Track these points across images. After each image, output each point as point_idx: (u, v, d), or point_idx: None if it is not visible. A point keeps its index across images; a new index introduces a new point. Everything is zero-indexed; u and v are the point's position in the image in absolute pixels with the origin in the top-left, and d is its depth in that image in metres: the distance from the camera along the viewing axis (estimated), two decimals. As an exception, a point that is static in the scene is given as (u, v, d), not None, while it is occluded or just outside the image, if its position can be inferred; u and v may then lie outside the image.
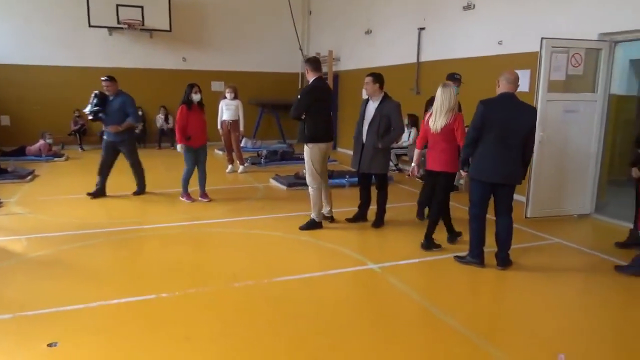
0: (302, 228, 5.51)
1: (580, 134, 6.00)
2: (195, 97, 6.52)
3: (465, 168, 4.46)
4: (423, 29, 9.22)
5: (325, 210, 5.76)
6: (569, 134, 5.95)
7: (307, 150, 5.44)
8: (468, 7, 8.03)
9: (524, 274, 4.32)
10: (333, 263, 4.52)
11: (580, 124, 5.98)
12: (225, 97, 8.94)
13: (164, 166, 10.13)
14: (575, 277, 4.32)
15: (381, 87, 5.39)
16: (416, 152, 5.27)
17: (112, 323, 3.30)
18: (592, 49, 5.97)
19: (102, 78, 6.83)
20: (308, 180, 5.56)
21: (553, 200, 6.06)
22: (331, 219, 5.80)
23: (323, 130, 5.41)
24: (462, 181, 7.58)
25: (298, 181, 7.84)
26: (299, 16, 13.74)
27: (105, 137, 6.99)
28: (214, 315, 3.44)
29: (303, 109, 5.33)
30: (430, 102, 5.98)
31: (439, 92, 4.78)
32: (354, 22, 11.68)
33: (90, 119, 6.98)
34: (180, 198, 6.73)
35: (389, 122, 5.29)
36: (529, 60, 6.53)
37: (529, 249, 4.98)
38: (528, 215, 5.96)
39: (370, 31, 11.04)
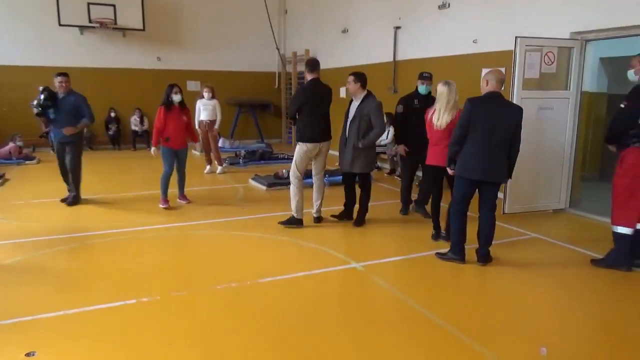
0: (282, 223, 5.55)
1: (554, 130, 6.14)
2: (176, 98, 6.34)
3: (452, 165, 4.51)
4: (399, 27, 9.29)
5: (313, 209, 5.74)
6: (544, 131, 6.08)
7: (296, 148, 5.54)
8: (443, 6, 8.12)
9: (505, 269, 4.39)
10: (316, 263, 4.50)
11: (555, 121, 6.12)
12: (203, 97, 8.84)
13: (141, 168, 9.96)
14: (554, 271, 4.41)
15: (363, 87, 5.38)
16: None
17: (91, 330, 3.22)
18: (564, 48, 6.11)
19: (57, 73, 6.35)
20: (290, 175, 5.60)
21: (530, 196, 6.18)
22: (317, 219, 5.77)
23: (312, 130, 5.41)
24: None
25: (278, 181, 7.81)
26: (275, 15, 13.68)
27: (54, 138, 6.54)
28: (196, 319, 3.39)
29: (294, 109, 5.49)
30: (400, 101, 6.02)
31: (444, 90, 4.82)
32: (330, 22, 11.69)
33: (36, 114, 6.40)
34: (160, 206, 6.35)
35: (369, 121, 5.30)
36: (503, 59, 6.64)
37: (509, 244, 5.07)
38: (506, 211, 6.06)
39: (347, 30, 11.07)
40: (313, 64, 5.47)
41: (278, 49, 13.76)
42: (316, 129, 5.43)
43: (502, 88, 4.36)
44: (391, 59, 9.50)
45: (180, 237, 5.36)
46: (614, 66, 7.70)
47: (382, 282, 4.06)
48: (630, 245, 4.29)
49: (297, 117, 5.49)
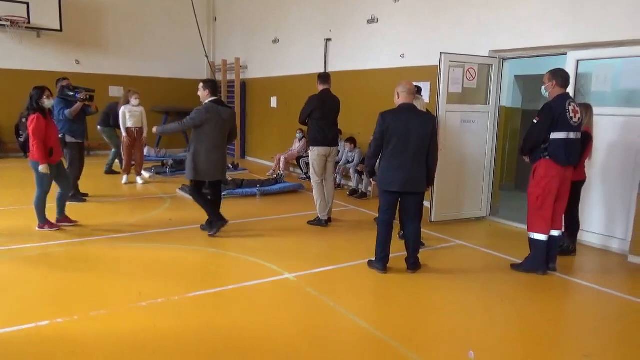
0: (310, 222, 6.08)
1: (476, 142, 6.48)
2: (48, 103, 5.86)
3: (373, 178, 4.58)
4: (329, 40, 9.42)
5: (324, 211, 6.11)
6: (466, 143, 6.40)
7: (310, 154, 6.14)
8: (372, 21, 8.35)
9: (434, 275, 4.52)
10: (247, 274, 4.39)
11: (476, 134, 6.46)
12: (128, 103, 8.37)
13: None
14: (478, 276, 4.60)
15: (212, 93, 5.39)
16: None
17: (-3, 357, 2.90)
18: (484, 65, 6.48)
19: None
20: (311, 180, 6.21)
21: (454, 205, 6.45)
22: (327, 221, 6.11)
23: (321, 135, 5.94)
24: (370, 188, 7.82)
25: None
26: (204, 22, 13.40)
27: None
28: (119, 341, 3.15)
29: (304, 116, 6.02)
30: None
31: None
32: (261, 31, 11.63)
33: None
34: (39, 229, 5.48)
35: None
36: (429, 73, 6.94)
37: (436, 251, 5.25)
38: (432, 220, 6.28)
39: (278, 40, 11.06)
40: (325, 77, 6.13)
41: (207, 57, 13.47)
42: (327, 134, 5.95)
43: (414, 99, 4.49)
44: (322, 70, 9.59)
45: (100, 252, 4.99)
46: (527, 83, 8.31)
47: (315, 292, 4.02)
48: (545, 250, 4.59)
49: (305, 123, 6.04)
